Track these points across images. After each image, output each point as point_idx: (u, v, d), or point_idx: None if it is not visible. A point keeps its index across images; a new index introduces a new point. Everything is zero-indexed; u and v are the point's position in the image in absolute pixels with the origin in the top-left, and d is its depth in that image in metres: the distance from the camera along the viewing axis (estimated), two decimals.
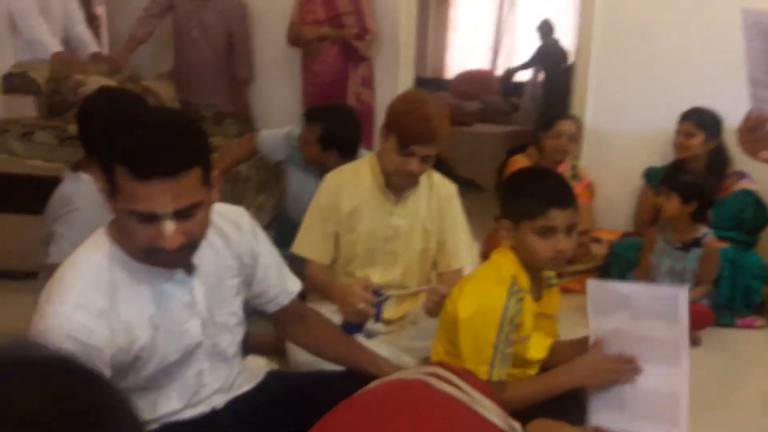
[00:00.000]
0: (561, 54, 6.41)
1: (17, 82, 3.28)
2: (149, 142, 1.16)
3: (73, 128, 2.95)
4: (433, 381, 1.45)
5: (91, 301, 1.21)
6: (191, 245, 1.26)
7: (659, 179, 2.94)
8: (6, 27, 3.63)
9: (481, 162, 5.55)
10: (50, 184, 2.18)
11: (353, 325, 1.99)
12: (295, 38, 3.87)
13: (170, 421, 1.39)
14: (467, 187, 5.21)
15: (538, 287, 1.73)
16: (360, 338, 2.04)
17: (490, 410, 1.47)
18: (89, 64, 3.69)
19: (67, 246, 1.91)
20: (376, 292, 1.96)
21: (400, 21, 4.00)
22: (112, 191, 1.19)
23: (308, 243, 2.13)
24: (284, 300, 1.60)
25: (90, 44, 3.95)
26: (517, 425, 1.50)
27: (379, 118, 3.98)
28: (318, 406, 1.40)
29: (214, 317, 1.42)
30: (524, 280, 1.64)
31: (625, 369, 1.60)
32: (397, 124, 1.98)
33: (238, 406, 1.50)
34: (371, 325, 2.08)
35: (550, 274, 1.77)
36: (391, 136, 2.00)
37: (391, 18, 3.99)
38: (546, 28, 6.64)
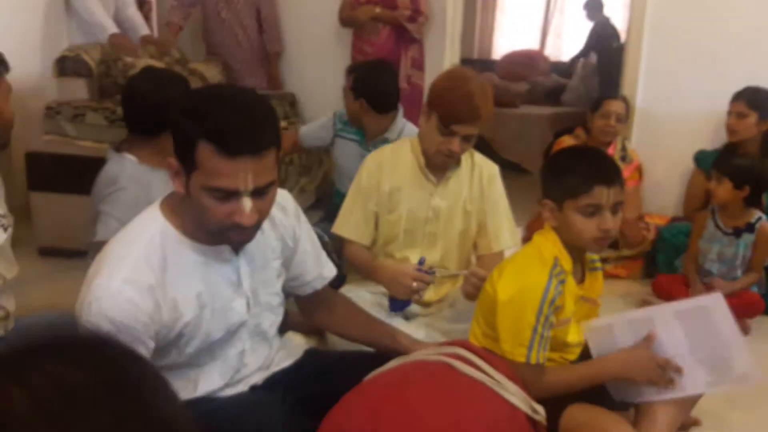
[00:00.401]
0: (613, 33, 6.24)
1: (70, 65, 3.36)
2: (238, 121, 1.18)
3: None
4: (456, 363, 1.44)
5: (139, 276, 1.23)
6: (260, 223, 1.28)
7: (710, 163, 2.85)
8: (61, 10, 3.73)
9: (527, 145, 5.46)
10: (101, 164, 2.22)
11: (400, 302, 2.01)
12: (347, 18, 3.88)
13: (210, 398, 1.42)
14: (512, 170, 5.16)
15: (582, 270, 1.70)
16: (399, 320, 2.05)
17: (514, 393, 1.46)
18: (140, 47, 3.76)
19: (114, 224, 1.96)
20: (424, 270, 1.98)
21: (448, 5, 3.97)
22: (187, 168, 1.21)
23: (349, 223, 2.14)
24: (318, 285, 1.63)
25: (141, 27, 4.02)
26: (540, 409, 1.49)
27: None
28: (353, 384, 1.42)
29: (258, 297, 1.45)
30: (567, 262, 1.61)
31: (666, 376, 1.58)
32: (439, 103, 1.95)
33: (276, 382, 1.52)
34: (411, 306, 2.09)
35: (594, 257, 1.74)
36: (433, 115, 1.97)
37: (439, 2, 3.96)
38: (593, 6, 6.40)
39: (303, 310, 1.72)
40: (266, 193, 1.24)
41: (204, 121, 1.17)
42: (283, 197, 1.50)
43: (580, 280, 1.68)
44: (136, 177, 2.06)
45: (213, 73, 4.09)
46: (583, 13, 6.54)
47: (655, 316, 1.64)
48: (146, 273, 1.24)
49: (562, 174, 1.61)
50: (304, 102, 4.25)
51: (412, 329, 1.98)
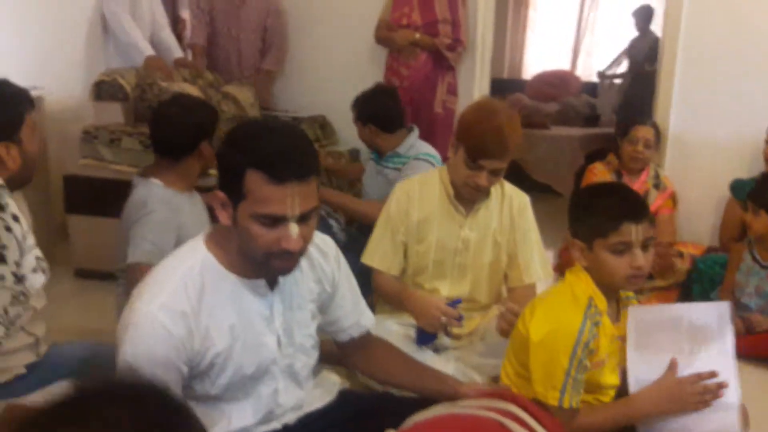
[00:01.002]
0: (652, 54, 5.62)
1: (106, 89, 3.44)
2: (284, 149, 1.24)
3: None
4: (509, 423, 1.41)
5: (175, 303, 1.28)
6: (304, 251, 1.32)
7: (746, 192, 2.80)
8: (99, 33, 3.81)
9: (558, 166, 5.41)
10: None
11: (428, 335, 2.00)
12: (384, 39, 3.86)
13: None
14: (543, 192, 5.13)
15: (617, 308, 1.67)
16: (428, 352, 2.04)
17: None
18: (173, 69, 3.83)
19: (146, 245, 2.02)
20: (452, 303, 1.97)
21: (478, 25, 3.97)
22: (235, 198, 1.25)
23: (378, 253, 2.13)
24: (355, 332, 1.62)
25: (174, 49, 4.09)
26: None
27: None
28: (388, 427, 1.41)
29: (293, 337, 1.46)
30: (602, 302, 1.58)
31: (707, 389, 1.54)
32: (467, 136, 1.94)
33: (309, 423, 1.52)
34: (440, 339, 2.08)
35: (629, 293, 1.71)
36: (461, 148, 1.96)
37: (471, 24, 3.96)
38: (644, 16, 5.77)
39: (342, 354, 1.70)
40: (310, 219, 1.29)
41: (252, 151, 1.23)
42: (325, 242, 1.53)
43: (616, 318, 1.66)
44: (165, 200, 2.11)
45: (246, 96, 4.13)
46: (614, 33, 6.45)
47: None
48: (182, 300, 1.28)
49: (589, 213, 1.60)
50: (335, 123, 4.26)
51: (442, 362, 1.97)
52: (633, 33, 5.94)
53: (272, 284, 1.40)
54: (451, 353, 2.10)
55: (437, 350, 2.10)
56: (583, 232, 1.59)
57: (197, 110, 2.21)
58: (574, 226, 1.63)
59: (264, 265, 1.32)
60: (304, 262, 1.45)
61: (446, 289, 2.12)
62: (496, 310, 2.16)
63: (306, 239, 1.29)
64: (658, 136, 3.31)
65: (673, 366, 1.57)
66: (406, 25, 3.81)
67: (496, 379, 1.92)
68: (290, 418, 1.50)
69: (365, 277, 2.01)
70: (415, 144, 2.86)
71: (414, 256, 2.12)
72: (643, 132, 3.21)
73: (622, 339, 1.67)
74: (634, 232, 1.51)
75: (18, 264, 1.04)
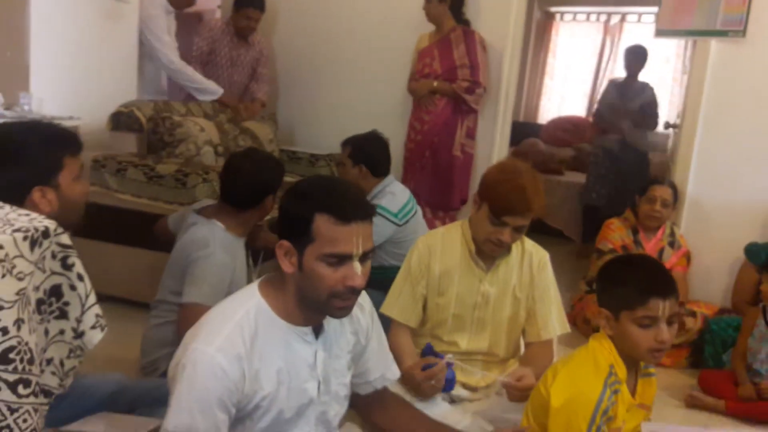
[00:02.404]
0: (648, 101, 4.88)
1: (123, 120, 3.54)
2: (348, 193, 1.39)
3: (162, 168, 3.20)
4: None
5: (232, 346, 1.34)
6: (360, 291, 1.40)
7: (760, 256, 2.83)
8: (133, 66, 3.92)
9: (571, 212, 5.46)
10: (138, 216, 2.42)
11: (444, 386, 2.00)
12: (409, 90, 4.09)
13: None
14: (555, 237, 5.17)
15: (635, 376, 1.70)
16: (445, 404, 2.06)
17: None
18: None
19: (206, 289, 2.11)
20: (434, 353, 1.97)
21: (503, 70, 4.06)
22: (302, 244, 1.35)
23: (397, 305, 2.15)
24: (379, 385, 1.68)
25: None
26: None
27: (478, 166, 4.05)
28: None
29: (329, 385, 1.51)
30: (622, 370, 1.61)
31: None
32: (491, 195, 1.97)
33: None
34: (456, 389, 2.10)
35: (648, 364, 1.74)
36: (484, 205, 2.00)
37: (494, 68, 4.07)
38: (635, 56, 4.86)
39: (361, 409, 1.74)
40: (368, 260, 1.39)
41: (320, 197, 1.36)
42: (362, 297, 1.60)
43: (633, 387, 1.68)
44: (225, 244, 2.21)
45: (265, 132, 4.22)
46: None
47: None
48: (238, 343, 1.35)
49: (618, 285, 1.63)
50: None
51: (458, 414, 1.98)
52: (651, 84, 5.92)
53: (317, 333, 1.47)
54: (467, 405, 2.12)
55: (453, 401, 2.12)
56: (610, 302, 1.63)
57: (267, 167, 2.33)
58: (601, 295, 1.67)
59: (324, 308, 1.40)
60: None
61: (465, 343, 2.14)
62: (514, 363, 2.20)
63: (365, 278, 1.38)
64: (676, 195, 3.35)
65: None
66: (427, 75, 3.97)
67: None
68: None
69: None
70: (377, 194, 2.96)
71: (434, 308, 2.15)
72: (661, 191, 3.25)
73: (641, 406, 1.69)
74: (662, 307, 1.55)
75: (78, 320, 1.09)
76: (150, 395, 1.87)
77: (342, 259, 1.34)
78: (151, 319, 2.32)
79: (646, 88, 4.88)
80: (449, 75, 3.92)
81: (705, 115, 3.54)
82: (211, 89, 4.15)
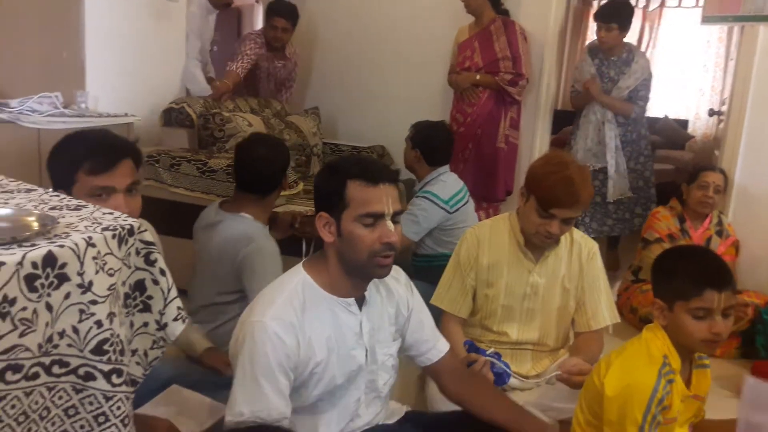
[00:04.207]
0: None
1: (175, 116, 3.65)
2: (373, 161, 1.59)
3: (214, 162, 3.31)
4: None
5: (285, 314, 1.46)
6: (398, 250, 1.51)
7: None
8: (179, 58, 4.02)
9: None
10: (190, 209, 2.50)
11: (502, 377, 2.00)
12: (450, 83, 4.10)
13: None
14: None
15: (689, 368, 1.71)
16: None
17: None
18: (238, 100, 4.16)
19: (271, 278, 2.12)
20: (475, 349, 1.99)
21: (545, 62, 4.06)
22: (339, 211, 1.48)
23: (447, 296, 2.19)
24: (434, 357, 1.76)
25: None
26: None
27: (522, 156, 4.06)
28: None
29: (375, 354, 1.62)
30: (676, 361, 1.63)
31: None
32: (538, 188, 1.99)
33: (380, 427, 1.67)
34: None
35: (702, 355, 1.74)
36: (531, 198, 2.01)
37: (534, 58, 4.06)
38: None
39: (436, 381, 1.82)
40: (398, 222, 1.51)
41: (349, 167, 1.50)
42: (396, 270, 1.68)
43: (687, 378, 1.69)
44: (264, 234, 2.28)
45: (309, 126, 4.29)
46: (668, 69, 6.27)
47: None
48: (290, 313, 1.47)
49: (673, 276, 1.64)
50: (394, 155, 4.38)
51: None
52: (691, 69, 5.76)
53: (360, 305, 1.59)
54: (518, 394, 2.15)
55: (504, 391, 2.15)
56: (665, 293, 1.64)
57: (279, 148, 2.39)
58: (656, 285, 1.68)
59: (365, 269, 1.50)
60: (382, 289, 1.65)
61: (515, 333, 2.17)
62: (564, 353, 2.22)
63: (399, 239, 1.50)
64: (726, 182, 3.31)
65: None
66: (468, 68, 3.98)
67: (564, 423, 1.98)
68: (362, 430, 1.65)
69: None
70: (430, 180, 3.00)
71: (483, 299, 2.18)
72: (714, 178, 3.22)
73: (696, 397, 1.70)
74: (717, 299, 1.55)
75: (161, 313, 1.15)
76: (210, 380, 1.93)
77: (376, 218, 1.47)
78: (198, 326, 2.25)
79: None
80: (491, 67, 3.92)
81: (753, 101, 3.49)
82: (205, 91, 4.07)
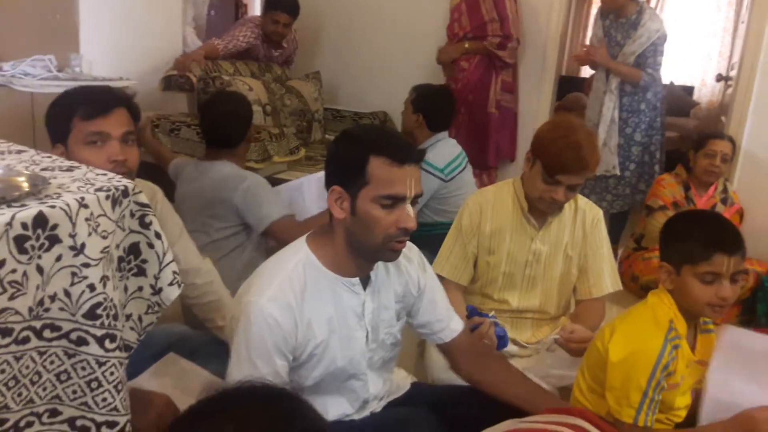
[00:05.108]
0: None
1: (175, 81, 3.59)
2: (400, 138, 1.44)
3: None
4: None
5: (283, 295, 1.39)
6: (409, 236, 1.43)
7: None
8: (177, 21, 3.94)
9: None
10: None
11: (501, 342, 1.99)
12: (442, 59, 4.03)
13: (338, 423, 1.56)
14: None
15: (694, 333, 1.69)
16: None
17: None
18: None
19: (276, 201, 2.41)
20: (478, 313, 1.97)
21: (550, 26, 3.98)
22: (356, 187, 1.37)
23: (448, 264, 2.16)
24: (447, 336, 1.70)
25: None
26: None
27: (523, 122, 4.00)
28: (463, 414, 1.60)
29: (377, 333, 1.56)
30: (682, 326, 1.61)
31: None
32: (545, 153, 1.94)
33: (392, 409, 1.65)
34: (509, 346, 2.11)
35: (707, 320, 1.72)
36: (537, 163, 1.97)
37: (537, 22, 3.97)
38: None
39: (449, 360, 1.76)
40: (416, 204, 1.42)
41: (374, 140, 1.39)
42: (409, 248, 1.61)
43: (692, 343, 1.68)
44: (249, 172, 2.46)
45: (310, 91, 4.22)
46: (676, 34, 6.19)
47: None
48: (288, 294, 1.40)
49: (681, 239, 1.61)
50: (396, 120, 4.33)
51: None
52: (699, 36, 5.66)
53: (365, 284, 1.51)
54: (518, 361, 2.14)
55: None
56: (672, 257, 1.61)
57: (242, 101, 2.61)
58: (664, 249, 1.65)
59: (377, 251, 1.42)
60: (391, 266, 1.56)
61: (516, 301, 2.15)
62: (565, 321, 2.20)
63: (416, 222, 1.41)
64: (734, 150, 3.26)
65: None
66: (457, 33, 3.91)
67: (563, 390, 1.97)
68: (376, 406, 1.63)
69: None
70: (428, 146, 2.89)
71: (484, 267, 2.15)
72: (722, 146, 3.16)
73: (700, 362, 1.69)
74: (726, 264, 1.53)
75: (156, 277, 1.12)
76: (207, 348, 1.92)
77: (396, 201, 1.37)
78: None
79: None
80: (479, 31, 3.85)
81: (763, 66, 3.42)
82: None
